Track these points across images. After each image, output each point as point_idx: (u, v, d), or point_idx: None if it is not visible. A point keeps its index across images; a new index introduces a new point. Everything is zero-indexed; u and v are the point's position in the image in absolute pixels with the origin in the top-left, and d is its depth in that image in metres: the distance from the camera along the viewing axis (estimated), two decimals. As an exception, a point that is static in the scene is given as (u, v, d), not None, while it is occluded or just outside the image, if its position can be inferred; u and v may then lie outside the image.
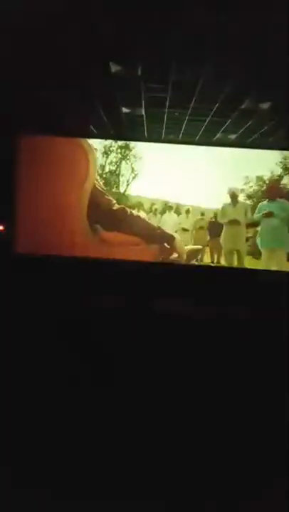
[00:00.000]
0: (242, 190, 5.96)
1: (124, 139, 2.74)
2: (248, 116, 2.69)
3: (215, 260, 5.79)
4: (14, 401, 1.73)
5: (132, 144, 7.49)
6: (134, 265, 2.52)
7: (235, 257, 5.39)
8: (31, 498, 1.29)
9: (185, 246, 2.27)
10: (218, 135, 2.98)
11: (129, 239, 1.67)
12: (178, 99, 2.26)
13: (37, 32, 1.82)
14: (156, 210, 5.64)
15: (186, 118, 2.63)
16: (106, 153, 7.65)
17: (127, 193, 7.64)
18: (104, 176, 7.52)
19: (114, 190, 7.52)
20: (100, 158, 7.67)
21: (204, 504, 1.33)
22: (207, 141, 3.38)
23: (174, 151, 5.75)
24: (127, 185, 7.70)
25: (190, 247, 2.27)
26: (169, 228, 5.83)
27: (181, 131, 2.81)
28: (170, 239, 1.75)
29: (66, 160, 1.50)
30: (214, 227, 5.67)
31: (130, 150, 7.38)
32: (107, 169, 7.59)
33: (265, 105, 2.58)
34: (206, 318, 1.76)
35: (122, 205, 1.75)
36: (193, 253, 2.20)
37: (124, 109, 2.34)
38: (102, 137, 2.65)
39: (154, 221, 5.69)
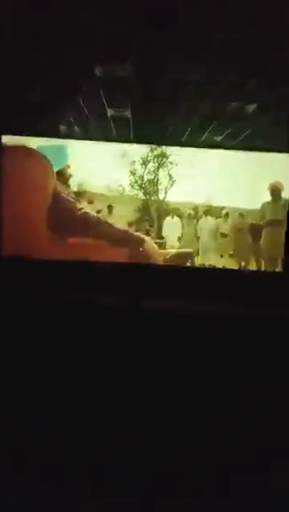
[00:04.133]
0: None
1: (111, 141, 2.74)
2: (236, 119, 2.52)
3: (262, 268, 5.31)
4: (10, 403, 1.80)
5: (168, 151, 7.48)
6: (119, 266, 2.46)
7: (280, 263, 4.87)
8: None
9: (174, 249, 2.12)
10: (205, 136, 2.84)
11: (97, 243, 1.64)
12: (165, 99, 2.23)
13: (22, 30, 1.92)
14: (189, 215, 5.47)
15: (173, 120, 2.57)
16: (144, 163, 7.79)
17: (166, 199, 7.60)
18: (142, 186, 7.63)
19: (153, 198, 7.56)
20: (138, 170, 7.82)
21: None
22: (194, 142, 3.21)
23: (214, 154, 5.54)
24: (166, 192, 7.67)
25: (177, 250, 2.11)
26: (206, 234, 5.59)
27: (168, 133, 2.74)
28: (140, 242, 1.67)
29: (21, 167, 1.55)
30: (257, 230, 5.24)
31: (167, 157, 7.37)
32: (145, 179, 7.71)
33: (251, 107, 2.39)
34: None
35: (85, 210, 1.74)
36: (180, 257, 2.04)
37: (110, 111, 2.37)
38: (88, 139, 2.68)
39: (190, 227, 5.51)
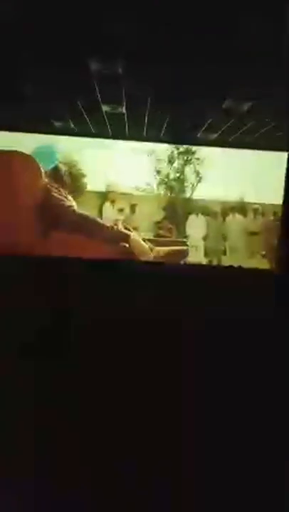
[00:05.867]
0: None
1: (105, 137, 2.59)
2: (230, 116, 2.28)
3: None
4: (9, 403, 1.74)
5: (193, 148, 7.23)
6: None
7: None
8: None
9: (167, 247, 1.94)
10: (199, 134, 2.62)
11: (84, 240, 1.53)
12: (160, 97, 2.08)
13: (14, 24, 1.87)
14: (216, 213, 5.18)
15: (168, 116, 2.41)
16: (170, 161, 7.60)
17: (192, 197, 7.33)
18: (168, 183, 7.43)
19: (180, 195, 7.33)
20: (164, 168, 7.63)
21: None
22: (188, 139, 2.97)
23: (240, 151, 5.22)
24: (192, 189, 7.40)
25: (170, 248, 1.92)
26: (234, 233, 5.27)
27: (162, 130, 2.56)
28: (125, 238, 1.53)
29: (5, 168, 1.48)
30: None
31: (193, 153, 7.12)
32: (171, 176, 7.50)
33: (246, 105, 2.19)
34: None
35: (72, 208, 1.64)
36: (172, 255, 1.84)
37: (105, 107, 2.25)
38: (83, 135, 2.56)
39: (216, 225, 5.23)
